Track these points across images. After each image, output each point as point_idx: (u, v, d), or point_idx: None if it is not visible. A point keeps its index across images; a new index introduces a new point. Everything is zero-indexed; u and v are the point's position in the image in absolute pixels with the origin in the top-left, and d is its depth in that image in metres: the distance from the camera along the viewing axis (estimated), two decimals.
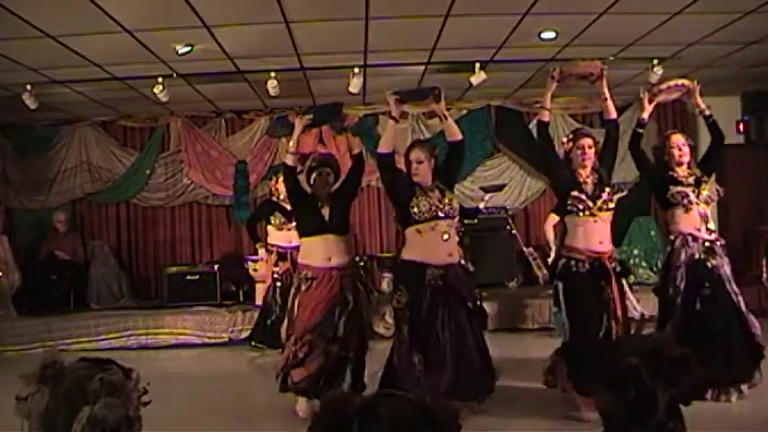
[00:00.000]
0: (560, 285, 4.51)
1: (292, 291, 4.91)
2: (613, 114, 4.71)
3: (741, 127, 9.35)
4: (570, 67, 4.73)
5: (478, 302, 4.66)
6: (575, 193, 4.48)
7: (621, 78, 8.13)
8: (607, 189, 4.52)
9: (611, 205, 4.53)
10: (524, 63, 7.79)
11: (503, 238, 8.95)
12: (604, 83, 4.67)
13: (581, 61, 4.85)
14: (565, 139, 4.74)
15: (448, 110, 9.94)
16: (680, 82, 5.10)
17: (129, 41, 6.26)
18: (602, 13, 6.12)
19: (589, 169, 4.57)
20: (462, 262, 4.74)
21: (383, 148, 4.59)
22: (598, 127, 7.75)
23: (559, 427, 4.39)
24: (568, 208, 4.52)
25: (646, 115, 5.00)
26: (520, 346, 7.39)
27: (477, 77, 7.75)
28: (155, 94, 7.76)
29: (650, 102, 5.02)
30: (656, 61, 7.54)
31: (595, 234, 4.47)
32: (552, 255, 7.34)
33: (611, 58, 7.18)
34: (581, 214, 4.46)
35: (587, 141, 4.57)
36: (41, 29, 5.82)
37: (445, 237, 4.44)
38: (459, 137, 4.69)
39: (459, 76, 8.02)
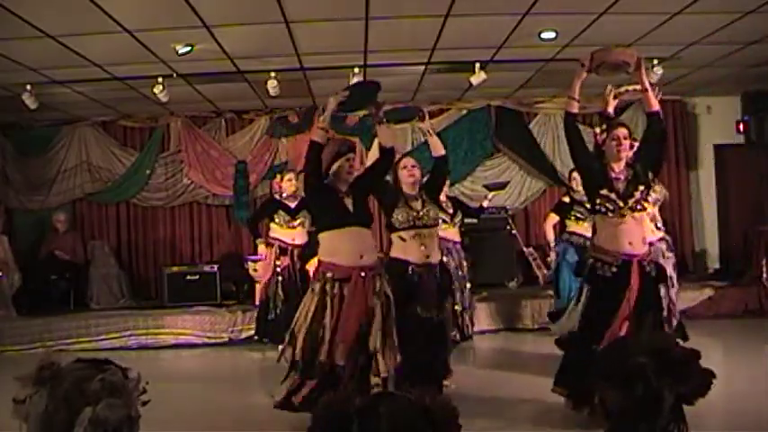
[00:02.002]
0: (586, 289, 4.29)
1: (309, 295, 4.21)
2: (656, 106, 4.35)
3: (741, 127, 9.36)
4: (603, 53, 4.35)
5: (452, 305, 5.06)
6: (603, 192, 4.20)
7: (621, 79, 8.11)
8: (641, 187, 4.21)
9: (645, 205, 4.25)
10: (524, 63, 7.79)
11: (503, 238, 8.95)
12: (643, 72, 4.37)
13: (615, 48, 4.51)
14: (598, 130, 4.46)
15: (447, 110, 10.00)
16: (638, 87, 5.01)
17: (129, 41, 6.27)
18: (602, 13, 6.12)
19: (623, 163, 4.27)
20: (444, 259, 5.21)
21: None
22: (597, 127, 7.71)
23: (560, 426, 4.38)
24: (596, 207, 4.26)
25: (611, 109, 4.81)
26: (520, 346, 7.39)
27: (477, 77, 7.76)
28: (155, 94, 7.76)
29: (615, 98, 4.84)
30: (656, 61, 7.53)
31: (625, 235, 4.17)
32: (552, 255, 7.38)
33: None
34: (609, 215, 4.19)
35: (623, 132, 4.28)
36: (41, 29, 5.82)
37: (422, 248, 4.69)
38: (443, 152, 4.98)
39: (459, 76, 8.03)
